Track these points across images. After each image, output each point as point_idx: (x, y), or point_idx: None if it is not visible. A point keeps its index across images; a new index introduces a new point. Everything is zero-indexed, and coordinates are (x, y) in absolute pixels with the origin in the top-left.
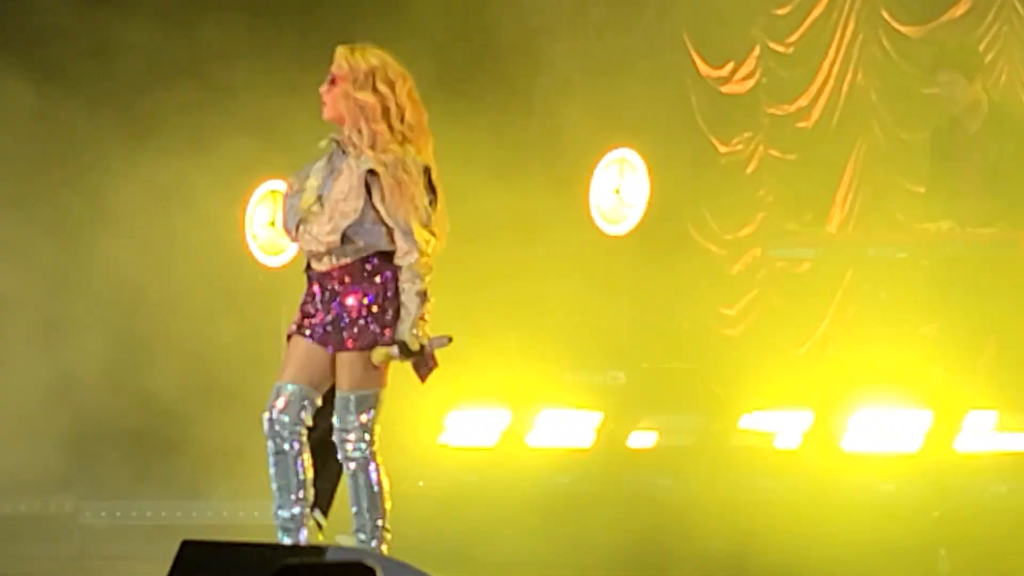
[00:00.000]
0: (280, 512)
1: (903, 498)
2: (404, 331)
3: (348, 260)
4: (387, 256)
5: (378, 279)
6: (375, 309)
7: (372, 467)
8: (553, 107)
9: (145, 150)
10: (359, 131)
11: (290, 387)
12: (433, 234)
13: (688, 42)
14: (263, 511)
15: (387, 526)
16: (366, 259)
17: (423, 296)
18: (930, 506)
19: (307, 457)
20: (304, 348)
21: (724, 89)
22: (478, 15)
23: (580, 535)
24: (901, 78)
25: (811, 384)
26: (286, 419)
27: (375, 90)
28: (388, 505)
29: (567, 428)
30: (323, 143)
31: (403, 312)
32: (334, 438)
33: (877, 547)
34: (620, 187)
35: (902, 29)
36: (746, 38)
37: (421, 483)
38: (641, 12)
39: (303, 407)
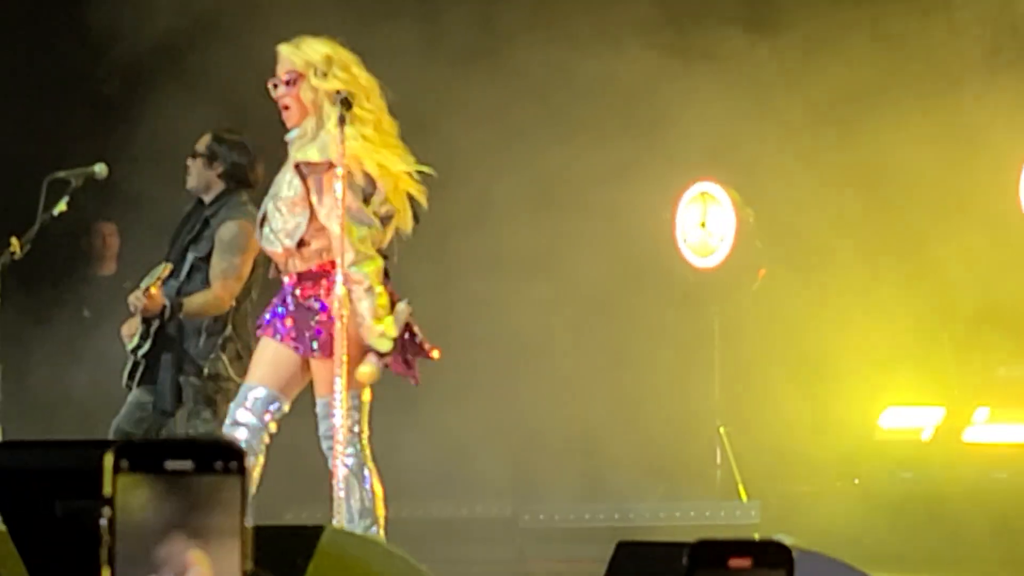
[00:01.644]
0: None
1: None
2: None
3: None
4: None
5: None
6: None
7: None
8: (980, 104)
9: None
10: (320, 119)
11: None
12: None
13: None
14: (698, 511)
15: None
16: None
17: (371, 293)
18: None
19: None
20: None
21: None
22: (899, 20)
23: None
24: None
25: None
26: None
27: (337, 77)
28: None
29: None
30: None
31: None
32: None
33: None
34: None
35: None
36: None
37: (856, 480)
38: None
39: None
